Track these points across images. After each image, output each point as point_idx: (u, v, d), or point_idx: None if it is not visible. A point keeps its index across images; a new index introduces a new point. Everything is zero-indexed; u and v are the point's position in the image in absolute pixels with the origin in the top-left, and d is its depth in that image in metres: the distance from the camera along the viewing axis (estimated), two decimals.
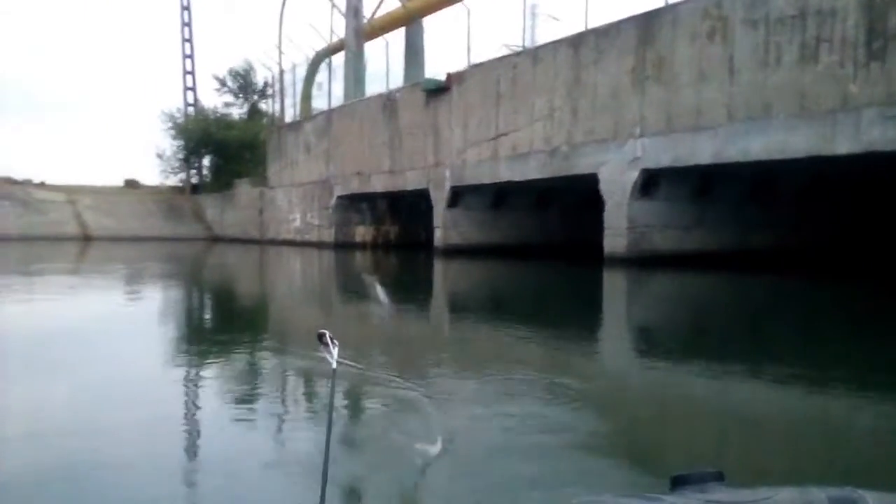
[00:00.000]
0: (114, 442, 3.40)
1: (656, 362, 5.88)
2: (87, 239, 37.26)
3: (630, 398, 4.58)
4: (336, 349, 1.58)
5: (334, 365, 1.55)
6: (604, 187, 15.89)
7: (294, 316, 9.45)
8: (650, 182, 15.35)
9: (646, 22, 14.97)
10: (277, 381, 5.06)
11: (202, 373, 5.31)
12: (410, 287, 13.50)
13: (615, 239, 15.64)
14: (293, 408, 4.37)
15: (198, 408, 4.30)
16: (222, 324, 8.71)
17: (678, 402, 4.46)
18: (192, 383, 4.94)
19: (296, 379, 5.12)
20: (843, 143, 11.78)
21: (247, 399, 4.42)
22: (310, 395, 4.52)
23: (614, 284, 13.76)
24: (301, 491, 2.72)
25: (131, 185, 47.95)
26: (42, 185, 43.71)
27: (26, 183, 43.81)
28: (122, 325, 8.01)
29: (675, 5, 14.47)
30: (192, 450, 3.45)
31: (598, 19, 16.53)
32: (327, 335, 1.61)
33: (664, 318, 9.16)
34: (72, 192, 41.57)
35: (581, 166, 16.44)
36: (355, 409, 4.23)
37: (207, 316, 9.69)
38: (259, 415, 4.09)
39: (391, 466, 3.06)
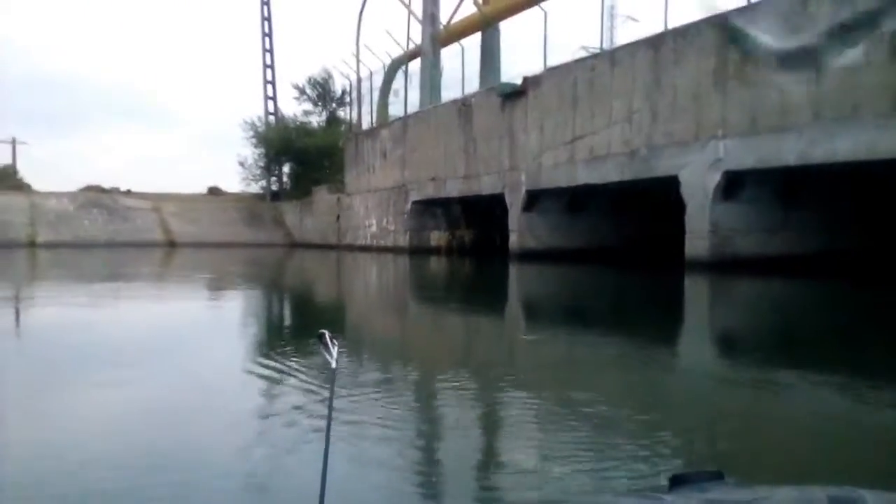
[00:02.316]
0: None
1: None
2: (171, 245, 38.58)
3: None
4: (336, 349, 1.54)
5: (334, 365, 1.51)
6: (685, 190, 15.64)
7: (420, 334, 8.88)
8: (733, 184, 15.00)
9: (727, 21, 14.70)
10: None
11: None
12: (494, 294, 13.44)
13: (697, 243, 15.36)
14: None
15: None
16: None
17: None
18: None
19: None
20: None
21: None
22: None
23: (710, 292, 13.23)
24: None
25: (214, 192, 49.49)
26: (128, 192, 45.55)
27: (114, 191, 45.80)
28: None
29: (756, 4, 14.17)
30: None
31: (678, 20, 16.35)
32: (327, 335, 1.56)
33: (790, 334, 8.30)
34: (157, 200, 43.11)
35: (661, 168, 16.23)
36: None
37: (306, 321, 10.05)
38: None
39: None
